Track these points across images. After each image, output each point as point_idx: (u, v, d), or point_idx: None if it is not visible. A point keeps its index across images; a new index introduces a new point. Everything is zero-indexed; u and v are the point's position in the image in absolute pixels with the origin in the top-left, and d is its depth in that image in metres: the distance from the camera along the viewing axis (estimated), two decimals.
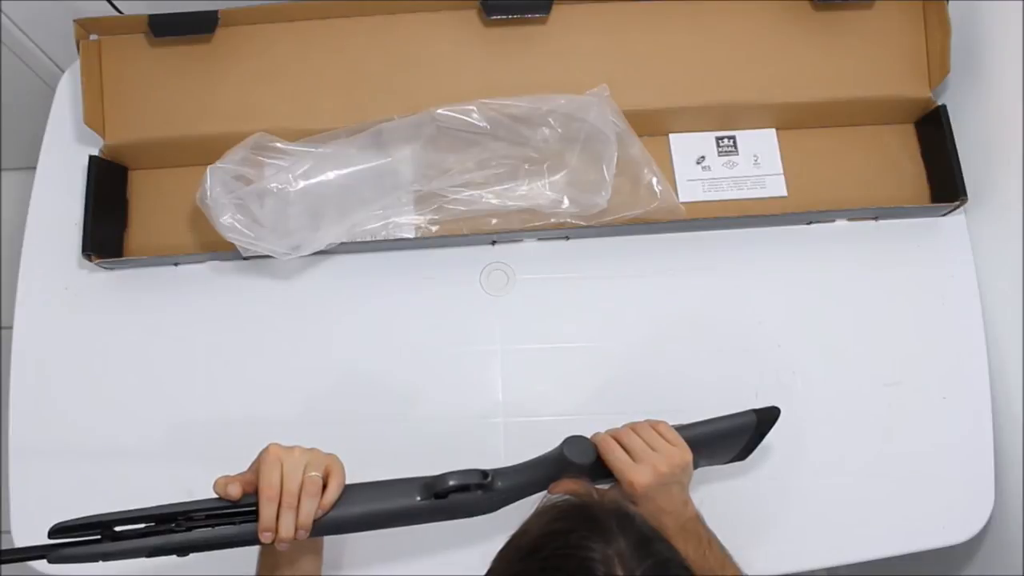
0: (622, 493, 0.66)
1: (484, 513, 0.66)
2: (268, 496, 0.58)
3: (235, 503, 0.59)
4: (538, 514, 0.55)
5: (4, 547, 0.59)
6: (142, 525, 0.59)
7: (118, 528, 0.58)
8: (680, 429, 0.70)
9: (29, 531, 0.82)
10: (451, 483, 0.63)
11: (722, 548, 0.67)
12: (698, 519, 0.68)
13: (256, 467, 0.59)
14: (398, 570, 0.81)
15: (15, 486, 0.83)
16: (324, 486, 0.60)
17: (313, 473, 0.59)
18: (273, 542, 0.58)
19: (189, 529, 0.58)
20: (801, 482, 0.84)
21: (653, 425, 0.69)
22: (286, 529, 0.57)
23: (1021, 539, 0.83)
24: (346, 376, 0.86)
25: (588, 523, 0.50)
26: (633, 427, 0.68)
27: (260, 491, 0.58)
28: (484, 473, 0.64)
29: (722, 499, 0.83)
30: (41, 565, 0.80)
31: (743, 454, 0.78)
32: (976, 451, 0.85)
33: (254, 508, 0.58)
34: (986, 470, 0.84)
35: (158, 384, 0.86)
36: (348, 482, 0.62)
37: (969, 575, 0.92)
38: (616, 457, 0.66)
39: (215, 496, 0.59)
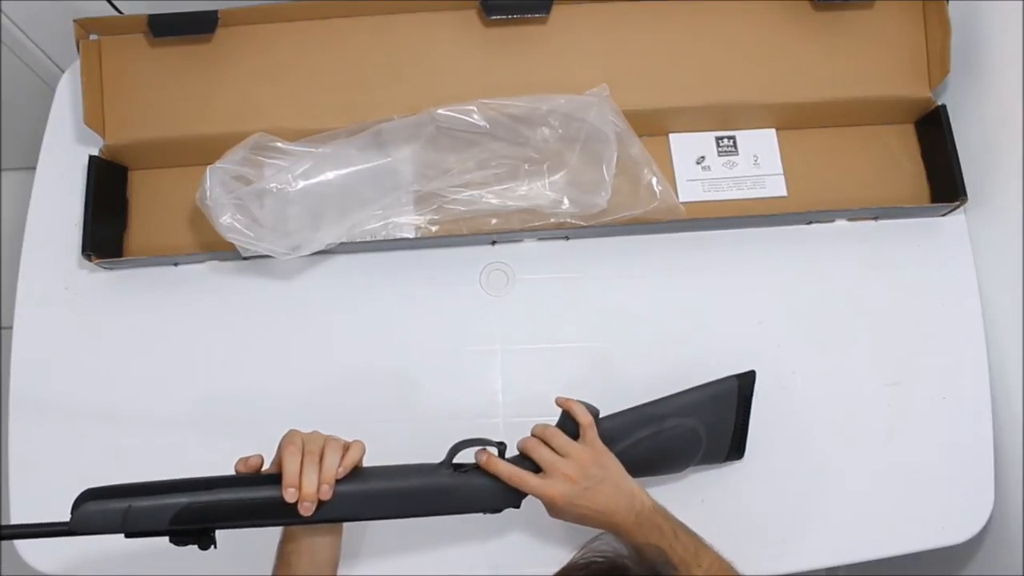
0: (660, 554, 0.63)
1: (505, 506, 0.67)
2: (290, 452, 0.58)
3: (258, 476, 0.59)
4: (571, 569, 0.54)
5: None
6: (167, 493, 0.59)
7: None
8: (669, 398, 0.73)
9: None
10: (465, 446, 0.64)
11: (693, 536, 0.67)
12: (655, 509, 0.67)
13: (278, 457, 0.60)
14: (401, 570, 0.81)
15: (15, 486, 0.83)
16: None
17: (334, 438, 0.61)
18: (297, 506, 0.58)
19: (213, 492, 0.59)
20: (801, 482, 0.84)
21: (543, 431, 0.68)
22: (309, 483, 0.57)
23: (1021, 539, 0.83)
24: (345, 376, 0.86)
25: None
26: (538, 434, 0.68)
27: (282, 451, 0.59)
28: (499, 443, 0.66)
29: (722, 499, 0.83)
30: (47, 566, 0.80)
31: (738, 445, 0.79)
32: (976, 451, 0.85)
33: (278, 480, 0.58)
34: (986, 470, 0.84)
35: (158, 384, 0.86)
36: None
37: (969, 575, 0.92)
38: (527, 483, 0.65)
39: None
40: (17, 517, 0.82)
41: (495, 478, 0.65)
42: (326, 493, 0.58)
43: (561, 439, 0.67)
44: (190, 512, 0.58)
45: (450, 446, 0.65)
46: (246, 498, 0.58)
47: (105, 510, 0.57)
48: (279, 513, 0.59)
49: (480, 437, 0.66)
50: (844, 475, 0.84)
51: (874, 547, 0.83)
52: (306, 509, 0.58)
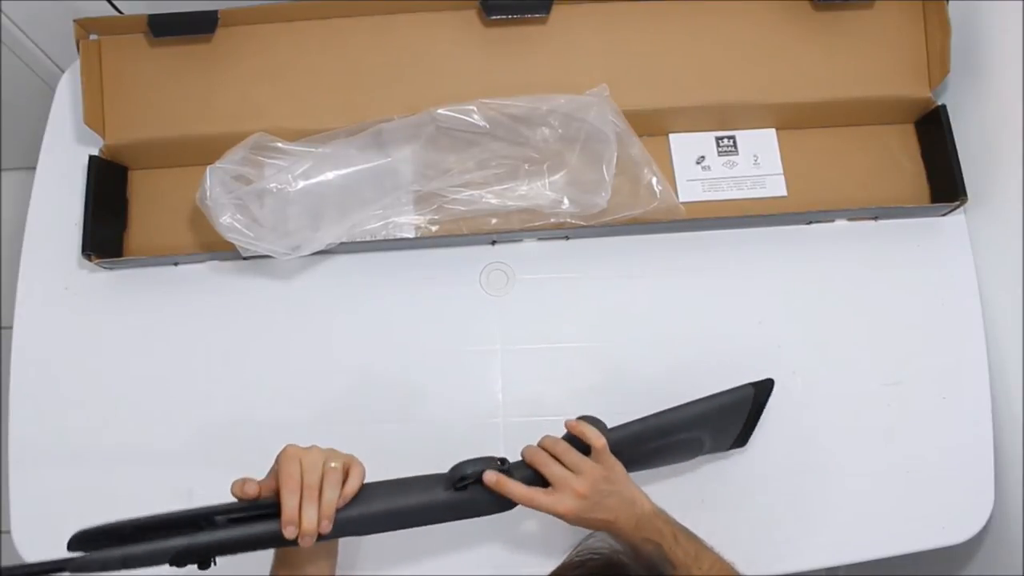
0: (656, 549, 0.64)
1: (505, 509, 0.66)
2: (289, 488, 0.57)
3: (256, 504, 0.58)
4: (569, 567, 0.54)
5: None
6: (163, 531, 0.58)
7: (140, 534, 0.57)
8: (682, 407, 0.71)
9: (29, 531, 0.82)
10: (469, 470, 0.63)
11: (693, 538, 0.67)
12: (655, 514, 0.67)
13: (274, 469, 0.59)
14: (403, 570, 0.81)
15: (15, 486, 0.83)
16: (345, 479, 0.60)
17: (333, 464, 0.59)
18: (296, 539, 0.57)
19: (212, 531, 0.58)
20: (801, 482, 0.84)
21: (554, 446, 0.67)
22: (309, 521, 0.57)
23: (1021, 539, 0.83)
24: (345, 376, 0.86)
25: None
26: (548, 448, 0.67)
27: (281, 484, 0.57)
28: (501, 460, 0.65)
29: (723, 499, 0.83)
30: None
31: (743, 437, 0.78)
32: (976, 451, 0.85)
33: (275, 509, 0.58)
34: (986, 470, 0.84)
35: (158, 384, 0.86)
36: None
37: (969, 575, 0.92)
38: (538, 502, 0.65)
39: (233, 500, 0.59)
40: (17, 517, 0.82)
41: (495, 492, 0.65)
42: (326, 528, 0.58)
43: (573, 456, 0.66)
44: (188, 552, 0.57)
45: (451, 467, 0.64)
46: (245, 534, 0.58)
47: (102, 559, 0.56)
48: (278, 543, 0.59)
49: (482, 456, 0.65)
50: (844, 475, 0.84)
51: (874, 547, 0.83)
52: (306, 543, 0.57)
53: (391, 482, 0.64)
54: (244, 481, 0.58)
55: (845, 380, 0.87)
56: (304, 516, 0.57)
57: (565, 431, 0.69)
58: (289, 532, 0.57)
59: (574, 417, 0.70)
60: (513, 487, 0.64)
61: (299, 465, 0.58)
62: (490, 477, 0.64)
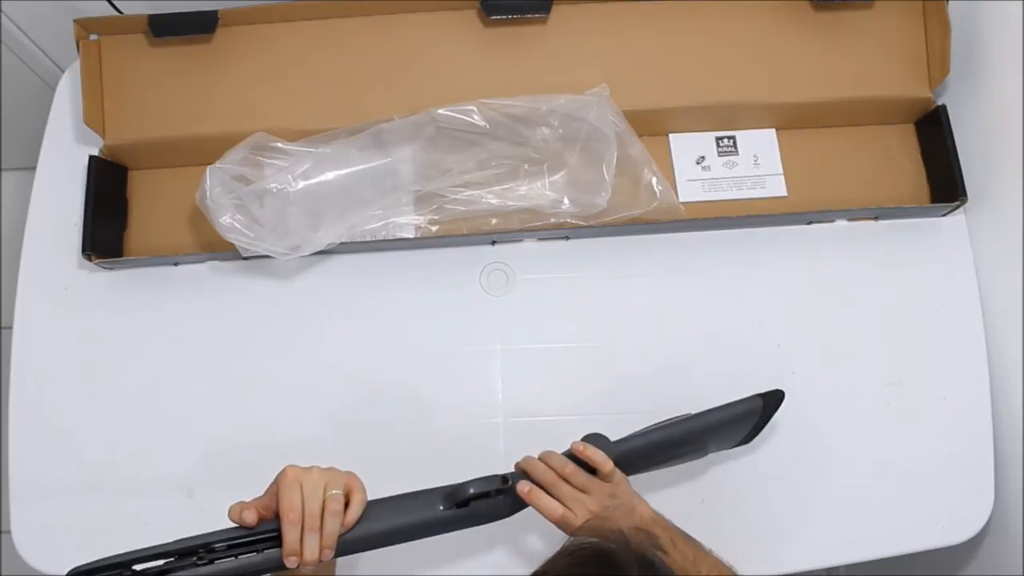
0: (647, 538, 0.63)
1: (504, 517, 0.66)
2: (291, 519, 0.56)
3: (255, 530, 0.58)
4: (559, 556, 0.54)
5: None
6: (162, 562, 0.57)
7: (138, 567, 0.57)
8: (689, 418, 0.71)
9: (29, 531, 0.82)
10: (472, 491, 0.63)
11: (691, 542, 0.67)
12: (654, 520, 0.67)
13: (273, 491, 0.58)
14: (404, 571, 0.81)
15: (15, 485, 0.83)
16: (346, 504, 0.59)
17: (334, 491, 0.58)
18: (298, 566, 0.57)
19: (211, 561, 0.57)
20: (801, 482, 0.84)
21: (563, 467, 0.67)
22: (311, 551, 0.56)
23: (1021, 539, 0.83)
24: (345, 376, 0.86)
25: (609, 571, 0.49)
26: (557, 469, 0.67)
27: (282, 514, 0.57)
28: (504, 478, 0.65)
29: (722, 499, 0.83)
30: (47, 566, 0.80)
31: (748, 438, 0.78)
32: (976, 451, 0.85)
33: (275, 533, 0.58)
34: (986, 470, 0.84)
35: (157, 384, 0.86)
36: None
37: (969, 575, 0.92)
38: (548, 509, 0.65)
39: (232, 525, 0.58)
40: (17, 515, 0.82)
41: (493, 503, 0.65)
42: (328, 556, 0.58)
43: (581, 477, 0.67)
44: None
45: (455, 487, 0.64)
46: (245, 564, 0.58)
47: None
48: (279, 569, 0.58)
49: (486, 476, 0.64)
50: (843, 475, 0.84)
51: (874, 547, 0.83)
52: (307, 570, 0.57)
53: (390, 500, 0.63)
54: (242, 508, 0.58)
55: (845, 380, 0.87)
56: (306, 547, 0.57)
57: (568, 448, 0.69)
58: (291, 563, 0.57)
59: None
60: (548, 503, 0.65)
61: (300, 493, 0.57)
62: (523, 487, 0.65)
